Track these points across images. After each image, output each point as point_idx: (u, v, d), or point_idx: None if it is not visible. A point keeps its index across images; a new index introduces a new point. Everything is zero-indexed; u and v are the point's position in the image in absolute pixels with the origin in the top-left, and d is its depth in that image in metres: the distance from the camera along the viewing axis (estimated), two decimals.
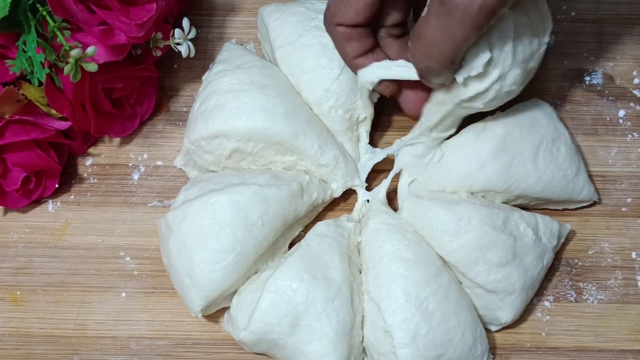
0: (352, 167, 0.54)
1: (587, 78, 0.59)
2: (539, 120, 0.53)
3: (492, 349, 0.53)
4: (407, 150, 0.53)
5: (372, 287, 0.49)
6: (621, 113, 0.58)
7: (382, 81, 0.50)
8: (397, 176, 0.54)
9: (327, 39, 0.51)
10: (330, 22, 0.48)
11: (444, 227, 0.50)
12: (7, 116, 0.52)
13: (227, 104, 0.51)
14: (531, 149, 0.51)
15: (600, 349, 0.53)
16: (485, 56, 0.43)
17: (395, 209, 0.54)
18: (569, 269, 0.55)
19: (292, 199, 0.51)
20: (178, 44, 0.54)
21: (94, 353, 0.53)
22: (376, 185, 0.55)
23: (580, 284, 0.54)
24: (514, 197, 0.53)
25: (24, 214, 0.56)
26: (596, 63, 0.59)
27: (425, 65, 0.44)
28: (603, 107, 0.58)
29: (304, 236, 0.52)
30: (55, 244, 0.55)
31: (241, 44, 0.59)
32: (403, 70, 0.48)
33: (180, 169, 0.57)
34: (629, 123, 0.58)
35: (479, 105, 0.47)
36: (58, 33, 0.49)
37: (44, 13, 0.49)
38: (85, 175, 0.57)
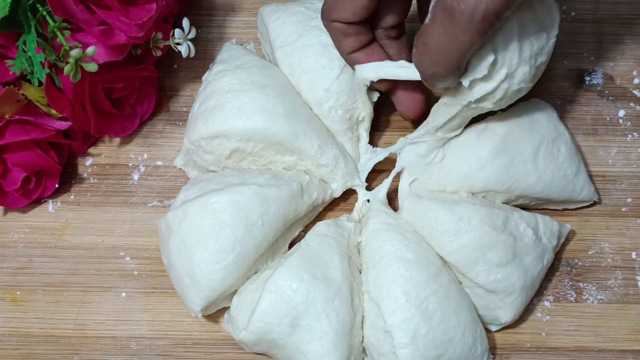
0: (352, 167, 0.54)
1: (587, 78, 0.59)
2: (539, 120, 0.53)
3: (492, 349, 0.53)
4: (410, 149, 0.53)
5: (372, 287, 0.49)
6: (621, 113, 0.58)
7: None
8: (397, 176, 0.54)
9: (327, 39, 0.51)
10: (327, 18, 0.48)
11: (444, 227, 0.50)
12: (7, 116, 0.52)
13: (227, 104, 0.51)
14: (531, 149, 0.51)
15: (600, 349, 0.53)
16: (489, 58, 0.43)
17: (395, 209, 0.54)
18: (569, 269, 0.55)
19: (292, 199, 0.51)
20: (178, 44, 0.54)
21: (94, 353, 0.53)
22: (376, 185, 0.55)
23: (580, 284, 0.54)
24: (514, 198, 0.53)
25: (24, 214, 0.56)
26: (596, 63, 0.59)
27: (432, 71, 0.44)
28: (603, 107, 0.58)
29: (304, 236, 0.52)
30: (55, 244, 0.55)
31: (241, 44, 0.59)
32: (402, 70, 0.48)
33: (180, 169, 0.57)
34: (629, 123, 0.58)
35: (488, 106, 0.47)
36: (58, 33, 0.49)
37: (44, 13, 0.49)
38: (85, 175, 0.57)
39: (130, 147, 0.58)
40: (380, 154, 0.54)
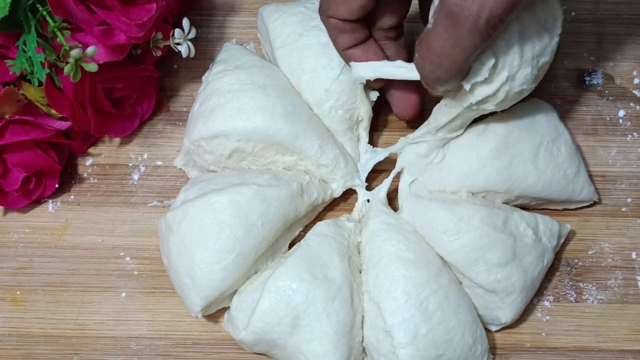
0: (352, 167, 0.54)
1: (587, 78, 0.59)
2: (539, 120, 0.53)
3: (492, 349, 0.53)
4: (411, 148, 0.53)
5: (372, 287, 0.49)
6: (621, 113, 0.58)
7: None
8: (397, 176, 0.54)
9: (327, 39, 0.51)
10: (324, 14, 0.48)
11: (444, 227, 0.50)
12: (7, 116, 0.52)
13: (227, 104, 0.51)
14: (531, 149, 0.51)
15: (600, 349, 0.53)
16: (489, 62, 0.43)
17: (395, 209, 0.54)
18: (569, 269, 0.55)
19: (292, 199, 0.51)
20: (178, 44, 0.54)
21: (94, 353, 0.53)
22: (376, 185, 0.55)
23: (580, 284, 0.54)
24: (514, 198, 0.53)
25: (24, 214, 0.56)
26: (596, 63, 0.59)
27: (435, 76, 0.44)
28: (603, 107, 0.58)
29: (304, 236, 0.52)
30: (55, 244, 0.55)
31: (241, 44, 0.59)
32: (399, 70, 0.48)
33: (180, 169, 0.57)
34: (629, 123, 0.58)
35: (490, 107, 0.47)
36: (58, 33, 0.49)
37: (44, 13, 0.49)
38: (85, 175, 0.57)
39: (130, 147, 0.58)
40: (380, 154, 0.54)
